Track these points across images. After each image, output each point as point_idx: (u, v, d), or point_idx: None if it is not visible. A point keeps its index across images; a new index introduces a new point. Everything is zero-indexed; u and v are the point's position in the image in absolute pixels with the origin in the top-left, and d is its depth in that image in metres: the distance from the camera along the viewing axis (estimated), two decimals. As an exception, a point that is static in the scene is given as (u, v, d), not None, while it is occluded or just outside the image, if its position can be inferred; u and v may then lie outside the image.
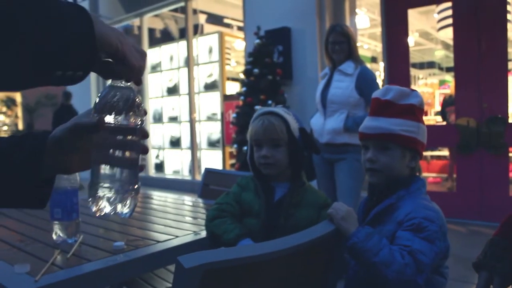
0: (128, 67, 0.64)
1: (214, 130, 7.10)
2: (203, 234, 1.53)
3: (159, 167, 8.08)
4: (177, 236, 1.49)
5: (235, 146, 5.28)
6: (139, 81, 0.69)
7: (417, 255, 1.14)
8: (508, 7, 4.78)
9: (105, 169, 0.68)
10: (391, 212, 1.28)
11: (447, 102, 6.70)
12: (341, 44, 3.05)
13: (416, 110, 1.35)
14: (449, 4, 5.16)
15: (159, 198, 2.27)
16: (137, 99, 0.69)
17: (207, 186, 2.31)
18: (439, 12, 7.04)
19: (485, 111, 4.48)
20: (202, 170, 7.05)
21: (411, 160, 1.35)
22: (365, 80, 3.00)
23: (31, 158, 0.68)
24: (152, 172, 8.09)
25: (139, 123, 0.69)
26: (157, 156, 8.14)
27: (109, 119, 0.66)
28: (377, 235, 1.19)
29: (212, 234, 1.47)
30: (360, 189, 3.09)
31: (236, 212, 1.51)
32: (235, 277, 0.96)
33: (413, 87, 9.80)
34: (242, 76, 5.45)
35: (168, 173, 7.88)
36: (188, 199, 2.20)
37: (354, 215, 1.24)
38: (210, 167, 2.40)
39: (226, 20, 8.86)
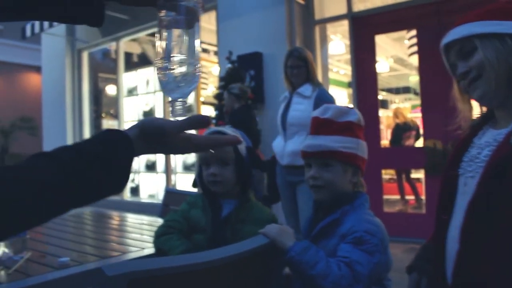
0: None
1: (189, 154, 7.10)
2: (151, 251, 1.55)
3: (135, 191, 8.03)
4: (124, 253, 1.51)
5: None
6: None
7: (354, 265, 1.18)
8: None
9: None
10: (336, 226, 1.33)
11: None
12: (299, 68, 3.14)
13: (354, 127, 1.41)
14: (415, 32, 5.36)
15: (118, 217, 2.29)
16: None
17: (167, 206, 2.34)
18: (409, 39, 7.26)
19: (450, 133, 4.61)
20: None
21: (353, 176, 1.41)
22: (323, 102, 3.07)
23: None
24: (127, 195, 8.03)
25: None
26: (133, 180, 8.09)
27: None
28: (314, 248, 1.23)
29: (159, 250, 1.50)
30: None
31: (183, 229, 1.55)
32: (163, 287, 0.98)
33: (385, 111, 10.02)
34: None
35: (144, 197, 7.83)
36: (146, 219, 2.22)
37: (289, 230, 1.28)
38: (171, 188, 2.43)
39: (203, 45, 8.98)
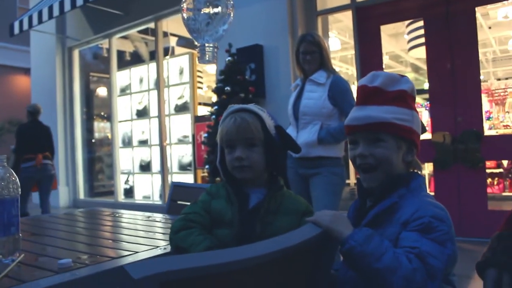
0: None
1: (186, 153, 6.88)
2: (168, 249, 1.32)
3: (129, 192, 7.76)
4: (136, 252, 1.27)
5: (207, 167, 5.07)
6: None
7: (427, 258, 0.97)
8: (479, 22, 4.82)
9: None
10: (392, 212, 1.11)
11: None
12: (312, 54, 2.91)
13: (408, 97, 1.19)
14: (421, 23, 5.18)
15: (121, 214, 2.05)
16: None
17: (174, 202, 2.11)
18: (409, 33, 7.11)
19: (460, 125, 4.44)
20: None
21: (408, 154, 1.19)
22: (338, 89, 2.86)
23: None
24: (121, 197, 7.76)
25: None
26: (127, 181, 7.83)
27: None
28: (378, 237, 1.01)
29: (177, 248, 1.27)
30: (338, 205, 2.90)
31: (205, 222, 1.31)
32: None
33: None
34: (214, 98, 5.27)
35: (138, 198, 7.57)
36: (153, 215, 1.98)
37: (344, 217, 1.06)
38: (178, 181, 2.20)
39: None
